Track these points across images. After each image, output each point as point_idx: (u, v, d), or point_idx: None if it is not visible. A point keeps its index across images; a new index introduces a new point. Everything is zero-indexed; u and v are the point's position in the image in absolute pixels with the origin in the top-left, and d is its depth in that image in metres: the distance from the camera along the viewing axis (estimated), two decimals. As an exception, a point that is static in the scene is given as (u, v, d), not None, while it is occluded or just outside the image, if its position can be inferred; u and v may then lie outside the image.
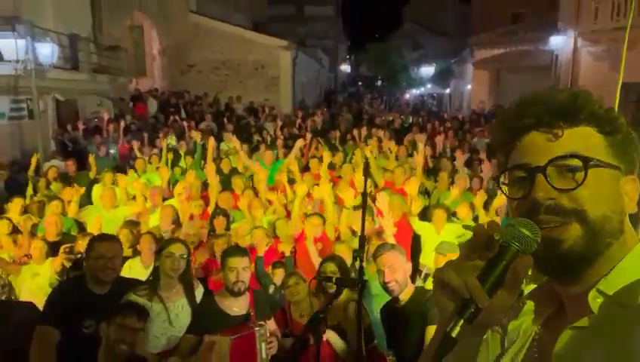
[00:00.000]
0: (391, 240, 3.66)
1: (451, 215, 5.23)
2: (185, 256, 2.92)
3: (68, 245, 4.48)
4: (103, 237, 2.91)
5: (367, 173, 2.30)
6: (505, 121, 0.89)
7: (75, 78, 12.64)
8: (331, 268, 3.14)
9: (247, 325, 2.64)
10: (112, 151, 9.90)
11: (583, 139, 0.81)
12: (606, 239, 0.79)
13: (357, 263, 2.18)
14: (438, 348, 0.73)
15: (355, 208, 4.37)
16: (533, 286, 0.95)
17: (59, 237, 4.90)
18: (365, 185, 2.33)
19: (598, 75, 13.97)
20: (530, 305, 0.91)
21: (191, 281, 3.02)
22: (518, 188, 0.84)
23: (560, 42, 14.39)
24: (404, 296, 2.59)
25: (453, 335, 0.71)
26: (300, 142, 7.63)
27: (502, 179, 0.88)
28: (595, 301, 0.77)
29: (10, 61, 9.40)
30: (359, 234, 2.24)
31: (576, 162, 0.79)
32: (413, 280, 4.58)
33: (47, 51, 9.99)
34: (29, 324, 2.61)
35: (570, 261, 0.79)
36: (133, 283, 2.96)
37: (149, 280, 2.97)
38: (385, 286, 2.55)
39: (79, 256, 4.09)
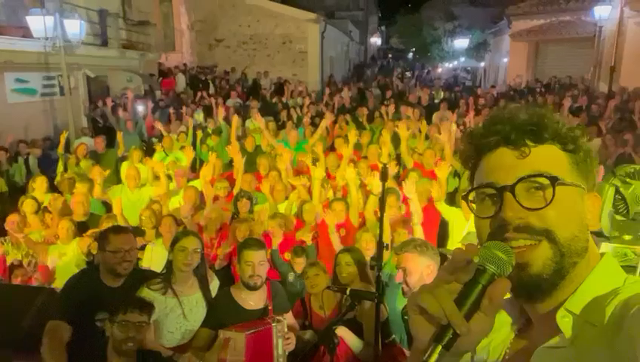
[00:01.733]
0: (418, 229, 3.50)
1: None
2: (198, 250, 2.85)
3: (95, 230, 4.51)
4: (118, 230, 2.85)
5: (384, 178, 2.13)
6: (472, 138, 0.89)
7: (104, 54, 12.72)
8: (346, 258, 3.03)
9: (265, 320, 2.56)
10: (141, 126, 9.99)
11: (549, 157, 0.83)
12: (573, 259, 0.80)
13: (374, 272, 2.04)
14: None
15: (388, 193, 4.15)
16: None
17: (86, 217, 4.96)
18: (383, 192, 2.17)
19: (645, 47, 13.13)
20: (502, 317, 0.90)
21: (205, 274, 2.95)
22: (487, 206, 0.84)
23: (604, 12, 13.46)
24: None
25: None
26: (324, 122, 7.45)
27: (470, 198, 0.87)
28: (563, 319, 0.78)
29: (39, 38, 9.46)
30: (377, 239, 2.09)
31: (544, 181, 0.80)
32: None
33: (76, 28, 10.00)
34: (48, 313, 2.61)
35: (538, 284, 0.80)
36: (147, 276, 2.91)
37: (163, 273, 2.92)
38: (405, 289, 2.42)
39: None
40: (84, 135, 9.72)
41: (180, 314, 2.77)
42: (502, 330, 0.90)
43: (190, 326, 2.77)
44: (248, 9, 19.06)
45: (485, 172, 0.86)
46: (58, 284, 4.14)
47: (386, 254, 3.15)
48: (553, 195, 0.79)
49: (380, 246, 2.07)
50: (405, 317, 2.53)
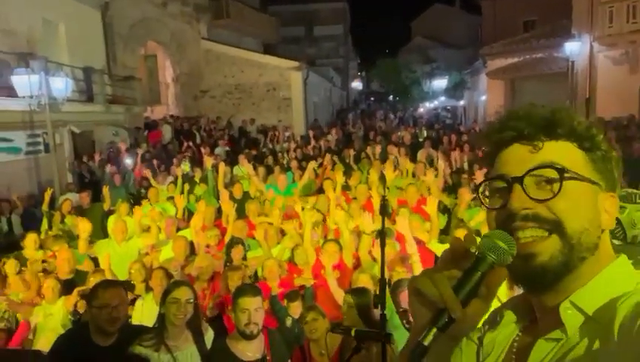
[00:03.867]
0: (418, 265, 3.45)
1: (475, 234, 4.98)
2: (192, 301, 2.75)
3: (83, 288, 4.37)
4: (107, 284, 2.75)
5: (384, 212, 2.11)
6: (488, 135, 0.90)
7: (90, 109, 12.79)
8: (348, 300, 2.95)
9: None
10: (128, 179, 9.91)
11: (562, 152, 0.83)
12: (582, 253, 0.79)
13: (378, 311, 1.97)
14: (410, 355, 0.74)
15: (375, 233, 4.14)
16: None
17: (71, 275, 4.80)
18: (383, 224, 2.14)
19: (616, 79, 13.63)
20: (509, 316, 0.92)
21: (200, 326, 2.84)
22: (498, 198, 0.85)
23: (575, 48, 14.08)
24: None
25: (426, 343, 0.71)
26: (311, 165, 7.47)
27: (482, 190, 0.89)
28: (566, 312, 0.78)
29: (24, 97, 9.51)
30: (379, 277, 2.04)
31: (553, 173, 0.80)
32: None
33: (61, 85, 10.09)
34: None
35: (543, 274, 0.80)
36: (139, 331, 2.78)
37: (155, 328, 2.79)
38: (407, 326, 2.34)
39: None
40: (69, 191, 9.60)
41: None
42: (509, 326, 0.91)
43: None
44: (232, 60, 19.55)
45: (498, 166, 0.87)
46: (39, 344, 3.96)
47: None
48: (560, 186, 0.79)
49: (383, 283, 2.01)
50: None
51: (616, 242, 2.59)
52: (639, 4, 12.57)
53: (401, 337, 2.65)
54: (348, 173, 7.83)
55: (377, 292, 2.02)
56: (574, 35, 14.74)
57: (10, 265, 4.79)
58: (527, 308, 0.89)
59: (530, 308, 0.88)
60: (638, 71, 12.01)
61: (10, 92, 9.62)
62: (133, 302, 3.98)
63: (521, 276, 0.81)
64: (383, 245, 2.04)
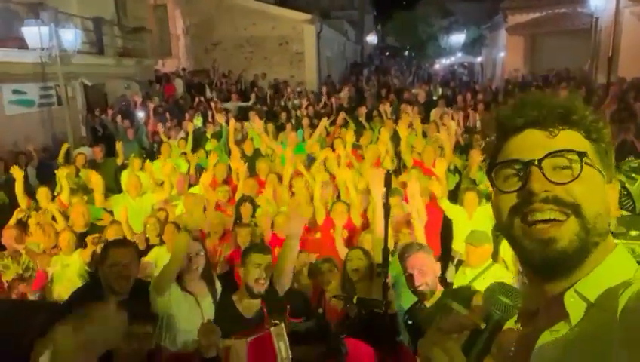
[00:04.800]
0: (421, 230, 3.47)
1: (485, 197, 4.97)
2: (201, 253, 2.82)
3: (95, 235, 4.50)
4: (119, 243, 2.82)
5: (388, 185, 2.10)
6: (499, 119, 0.90)
7: (101, 62, 12.70)
8: (358, 254, 2.99)
9: (262, 325, 2.53)
10: (141, 134, 9.96)
11: (575, 140, 0.84)
12: (595, 238, 0.81)
13: (381, 280, 2.00)
14: None
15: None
16: None
17: (86, 228, 4.94)
18: (387, 197, 2.14)
19: (642, 37, 13.08)
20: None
21: (212, 278, 2.92)
22: (512, 182, 0.85)
23: (600, 3, 13.41)
24: (434, 299, 2.43)
25: None
26: (323, 122, 7.41)
27: (493, 174, 0.88)
28: (570, 301, 0.79)
29: (35, 49, 9.45)
30: (382, 246, 2.06)
31: (574, 156, 0.81)
32: (445, 267, 4.42)
33: (71, 37, 10.00)
34: (51, 328, 2.56)
35: (564, 259, 0.80)
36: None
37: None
38: (414, 290, 2.40)
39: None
40: (83, 145, 9.70)
41: (198, 313, 2.71)
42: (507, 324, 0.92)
43: None
44: (244, 12, 19.04)
45: (511, 151, 0.87)
46: (56, 292, 4.14)
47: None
48: (581, 170, 0.80)
49: (386, 252, 2.03)
50: (409, 322, 2.51)
51: (624, 213, 2.59)
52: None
53: (406, 299, 2.72)
54: (359, 131, 7.77)
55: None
56: (600, -11, 14.04)
57: (33, 216, 4.93)
58: (525, 304, 0.90)
59: (527, 302, 0.89)
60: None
61: (21, 43, 9.56)
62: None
63: (539, 261, 0.81)
64: (387, 216, 2.05)
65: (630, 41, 13.53)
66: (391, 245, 3.20)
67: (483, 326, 0.75)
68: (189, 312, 2.73)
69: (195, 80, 16.46)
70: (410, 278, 2.40)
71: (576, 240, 0.79)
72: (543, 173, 0.81)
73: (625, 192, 2.23)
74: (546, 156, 0.82)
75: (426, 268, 2.39)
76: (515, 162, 0.85)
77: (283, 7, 20.04)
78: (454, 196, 5.43)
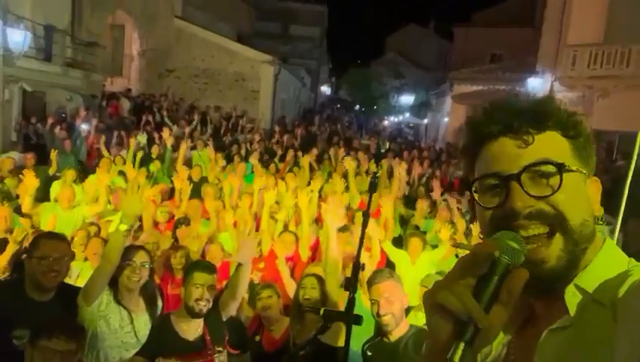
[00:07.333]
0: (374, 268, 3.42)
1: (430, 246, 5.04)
2: (147, 265, 2.58)
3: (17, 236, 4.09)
4: (52, 236, 2.53)
5: (372, 190, 2.05)
6: (473, 127, 0.88)
7: (46, 69, 12.10)
8: (312, 281, 2.88)
9: (205, 352, 2.34)
10: (80, 146, 9.43)
11: (552, 144, 0.82)
12: (584, 245, 0.80)
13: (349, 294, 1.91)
14: None
15: (340, 230, 4.02)
16: None
17: (8, 234, 4.50)
18: (370, 201, 2.10)
19: (571, 119, 14.36)
20: None
21: (154, 293, 2.68)
22: (491, 196, 0.83)
23: (537, 84, 14.75)
24: (398, 333, 2.32)
25: (456, 360, 0.67)
26: (306, 159, 7.43)
27: (474, 188, 0.86)
28: (571, 298, 0.78)
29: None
30: (354, 261, 1.98)
31: (550, 168, 0.79)
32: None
33: (19, 38, 9.50)
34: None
35: (555, 278, 0.79)
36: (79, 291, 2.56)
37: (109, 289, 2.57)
38: (378, 320, 2.30)
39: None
40: (13, 150, 9.01)
41: (129, 331, 2.45)
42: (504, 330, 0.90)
43: (134, 349, 2.44)
44: (204, 43, 19.08)
45: (489, 161, 0.84)
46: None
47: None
48: (561, 182, 0.78)
49: (357, 266, 1.95)
50: (368, 353, 2.39)
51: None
52: (601, 51, 13.33)
53: (366, 322, 2.62)
54: (310, 174, 7.79)
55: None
56: (538, 72, 15.46)
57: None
58: (522, 306, 0.88)
59: (525, 305, 0.87)
60: (591, 115, 12.73)
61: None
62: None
63: (532, 280, 0.76)
64: (365, 224, 1.99)
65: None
66: (340, 278, 3.13)
67: (497, 254, 0.71)
68: (119, 327, 2.47)
69: (146, 103, 16.03)
70: (375, 305, 2.31)
71: (564, 256, 0.78)
72: (523, 188, 0.78)
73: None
74: (524, 170, 0.79)
75: (393, 298, 2.31)
76: (493, 175, 0.82)
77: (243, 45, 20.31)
78: (398, 243, 5.48)
